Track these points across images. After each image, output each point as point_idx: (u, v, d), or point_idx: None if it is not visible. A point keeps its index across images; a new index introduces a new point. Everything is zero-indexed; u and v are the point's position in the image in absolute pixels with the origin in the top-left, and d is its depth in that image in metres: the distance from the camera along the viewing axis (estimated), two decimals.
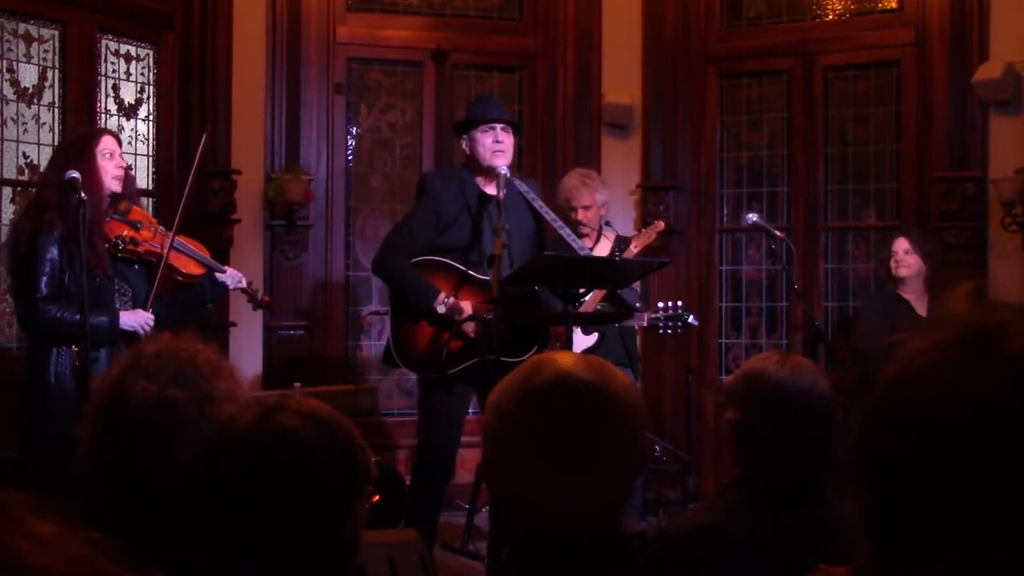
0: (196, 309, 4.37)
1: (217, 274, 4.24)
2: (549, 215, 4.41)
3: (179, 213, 4.10)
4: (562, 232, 4.38)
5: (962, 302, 0.83)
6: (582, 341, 5.03)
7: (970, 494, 0.74)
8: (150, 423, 1.68)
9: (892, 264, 5.47)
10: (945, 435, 0.76)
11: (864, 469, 0.82)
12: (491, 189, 4.39)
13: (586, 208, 5.20)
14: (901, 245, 5.47)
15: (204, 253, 4.22)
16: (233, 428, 1.47)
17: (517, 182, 4.45)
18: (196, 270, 4.16)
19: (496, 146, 4.34)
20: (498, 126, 4.38)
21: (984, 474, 0.74)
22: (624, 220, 5.80)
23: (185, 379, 1.72)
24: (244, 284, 4.33)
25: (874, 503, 0.81)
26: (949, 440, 0.75)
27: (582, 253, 4.56)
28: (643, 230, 5.35)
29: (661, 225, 5.38)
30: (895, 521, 0.79)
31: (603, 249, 5.18)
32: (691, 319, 4.86)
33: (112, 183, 3.95)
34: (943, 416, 0.76)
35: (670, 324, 4.85)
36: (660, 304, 4.91)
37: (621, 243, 5.10)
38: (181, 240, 4.12)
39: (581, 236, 5.28)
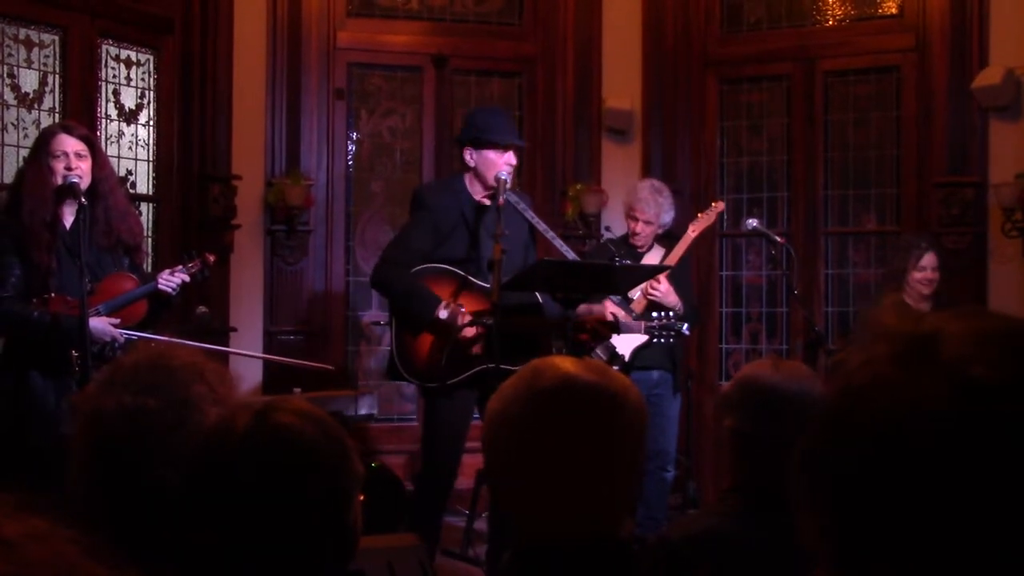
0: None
1: (159, 286, 3.96)
2: (541, 225, 4.41)
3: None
4: (555, 242, 4.36)
5: (890, 314, 0.84)
6: (633, 339, 4.96)
7: (917, 503, 0.75)
8: (128, 434, 1.66)
9: (920, 279, 5.12)
10: (888, 447, 0.76)
11: (814, 485, 0.82)
12: (488, 200, 4.40)
13: (647, 223, 5.10)
14: (931, 262, 5.14)
15: (128, 286, 3.94)
16: (231, 428, 1.47)
17: (510, 194, 4.44)
18: (141, 308, 3.97)
19: (507, 168, 4.34)
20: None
21: (928, 482, 0.74)
22: (623, 226, 5.77)
23: (161, 388, 1.70)
24: (180, 279, 3.98)
25: (826, 518, 0.81)
26: (893, 452, 0.76)
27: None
28: (700, 214, 5.20)
29: (721, 206, 5.24)
30: (849, 535, 0.79)
31: (653, 258, 5.12)
32: (684, 328, 4.78)
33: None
34: (885, 428, 0.77)
35: (663, 333, 4.78)
36: (654, 314, 4.83)
37: (669, 244, 5.09)
38: (107, 304, 3.86)
39: (636, 248, 5.17)
